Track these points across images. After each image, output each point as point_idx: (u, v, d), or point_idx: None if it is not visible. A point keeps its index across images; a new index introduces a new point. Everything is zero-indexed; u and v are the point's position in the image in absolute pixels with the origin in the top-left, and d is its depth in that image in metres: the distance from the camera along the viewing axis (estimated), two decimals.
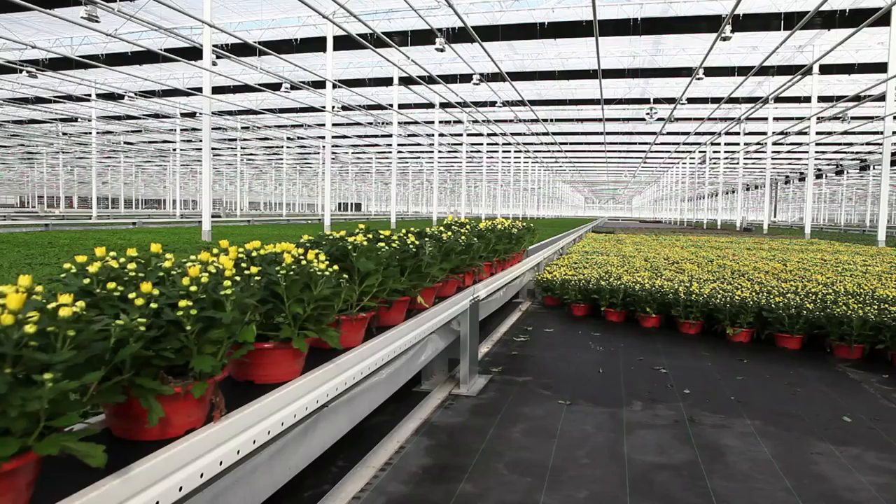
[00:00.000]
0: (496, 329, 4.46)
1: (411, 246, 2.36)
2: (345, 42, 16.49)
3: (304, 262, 1.61)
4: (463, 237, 3.17)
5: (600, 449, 2.26)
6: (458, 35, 15.92)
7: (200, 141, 23.98)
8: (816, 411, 2.74)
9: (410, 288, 2.35)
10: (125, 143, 40.76)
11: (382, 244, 2.11)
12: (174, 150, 35.00)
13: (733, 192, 56.23)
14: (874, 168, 34.66)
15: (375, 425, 2.51)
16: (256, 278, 1.46)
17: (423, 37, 16.91)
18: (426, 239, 2.58)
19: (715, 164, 39.23)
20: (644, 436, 2.40)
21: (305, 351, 1.56)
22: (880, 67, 17.84)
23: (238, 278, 1.34)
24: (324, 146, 25.51)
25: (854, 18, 13.81)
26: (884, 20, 13.38)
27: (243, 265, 1.49)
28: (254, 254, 1.67)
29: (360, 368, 1.87)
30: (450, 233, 3.17)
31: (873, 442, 2.39)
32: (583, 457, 2.18)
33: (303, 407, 1.55)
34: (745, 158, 34.35)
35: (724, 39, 12.09)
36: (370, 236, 2.25)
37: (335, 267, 1.71)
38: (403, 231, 2.63)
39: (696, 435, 2.42)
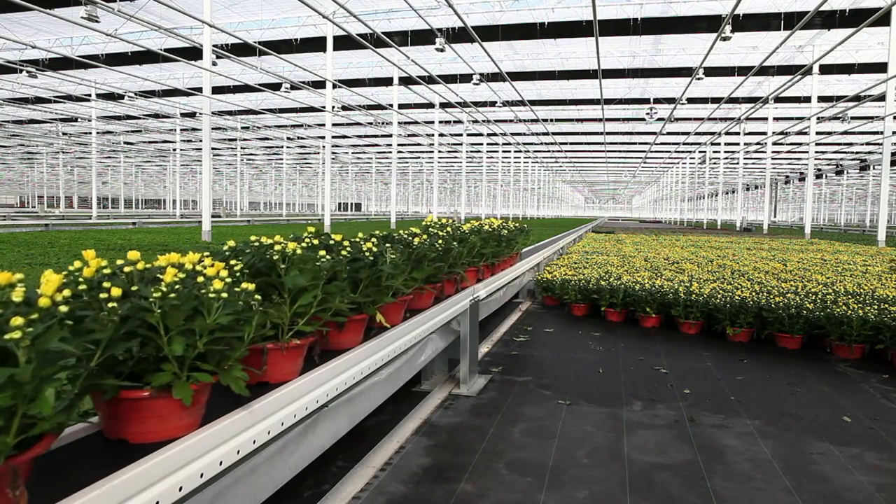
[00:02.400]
0: (496, 329, 4.46)
1: (367, 254, 2.00)
2: (345, 42, 16.50)
3: (200, 279, 1.24)
4: (440, 241, 2.77)
5: (600, 449, 2.26)
6: (458, 35, 15.93)
7: (200, 141, 23.99)
8: (816, 411, 2.74)
9: (367, 304, 1.99)
10: (125, 143, 40.79)
11: (323, 252, 1.72)
12: (174, 150, 35.02)
13: (733, 192, 56.24)
14: (874, 168, 34.66)
15: (375, 425, 2.51)
16: (112, 305, 1.09)
17: (423, 37, 16.91)
18: (387, 245, 2.18)
19: (715, 164, 39.25)
20: (644, 436, 2.40)
21: (189, 403, 1.17)
22: (880, 67, 17.85)
23: (63, 308, 0.96)
24: (324, 146, 25.52)
25: (854, 18, 13.82)
26: (884, 20, 13.39)
27: (107, 284, 1.14)
28: (127, 269, 1.26)
29: (290, 410, 1.48)
30: (425, 236, 2.80)
31: (873, 442, 2.39)
32: (583, 457, 2.18)
33: (304, 407, 1.54)
34: (745, 158, 34.36)
35: (724, 39, 12.09)
36: (313, 242, 1.87)
37: (249, 285, 1.34)
38: (360, 236, 2.28)
39: (695, 435, 2.42)
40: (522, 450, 2.24)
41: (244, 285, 1.34)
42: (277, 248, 1.63)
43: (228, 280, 1.28)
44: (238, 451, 1.28)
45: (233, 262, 1.51)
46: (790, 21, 14.15)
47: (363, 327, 1.99)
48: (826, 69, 19.55)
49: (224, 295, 1.24)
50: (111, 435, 1.20)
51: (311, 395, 1.56)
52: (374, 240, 2.28)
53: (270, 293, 1.59)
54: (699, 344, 4.09)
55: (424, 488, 1.93)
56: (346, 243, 2.00)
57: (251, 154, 48.66)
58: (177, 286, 1.20)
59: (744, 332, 4.15)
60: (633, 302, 4.70)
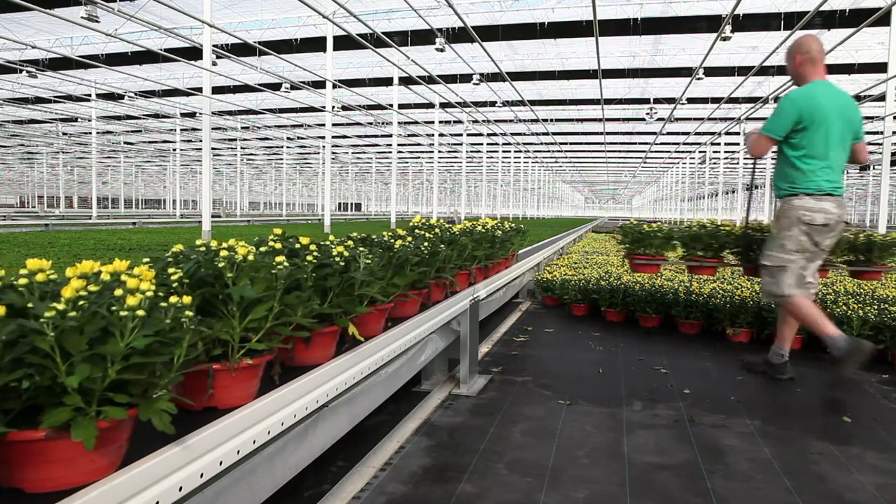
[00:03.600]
0: (496, 329, 4.46)
1: (338, 259, 1.79)
2: (345, 42, 16.48)
3: (119, 292, 1.03)
4: (425, 244, 2.57)
5: (600, 449, 2.26)
6: (458, 35, 15.93)
7: (200, 141, 23.98)
8: (816, 411, 2.74)
9: (337, 315, 1.80)
10: (125, 143, 40.79)
11: (281, 259, 1.50)
12: (174, 150, 35.01)
13: (733, 192, 56.23)
14: (874, 168, 34.66)
15: (375, 425, 2.51)
16: None
17: (423, 37, 16.91)
18: (361, 250, 1.95)
19: (715, 164, 39.23)
20: (644, 436, 2.40)
21: (91, 446, 0.94)
22: (880, 67, 17.84)
23: None
24: (324, 146, 25.52)
25: (854, 18, 13.82)
26: (884, 20, 13.36)
27: None
28: (21, 282, 1.04)
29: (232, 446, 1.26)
30: (410, 238, 2.59)
31: (873, 442, 2.39)
32: (583, 457, 2.18)
33: (301, 409, 1.54)
34: (745, 158, 34.34)
35: (724, 39, 12.10)
36: (274, 246, 1.69)
37: (177, 298, 1.13)
38: (331, 239, 2.11)
39: (695, 435, 2.42)
40: (522, 450, 2.24)
41: (172, 299, 1.11)
42: (224, 253, 1.40)
43: (150, 294, 1.06)
44: (238, 452, 1.27)
45: (171, 270, 1.34)
46: (790, 21, 14.16)
47: (335, 341, 1.80)
48: (826, 69, 19.54)
49: (140, 312, 1.02)
50: (4, 483, 1.00)
51: (263, 424, 1.36)
52: (350, 242, 2.10)
53: (218, 307, 1.39)
54: (699, 344, 4.09)
55: (424, 488, 1.93)
56: (312, 247, 1.76)
57: (251, 154, 48.67)
58: (81, 302, 0.98)
59: (744, 332, 4.15)
60: (633, 302, 4.70)
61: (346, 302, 1.81)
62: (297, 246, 1.80)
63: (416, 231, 2.99)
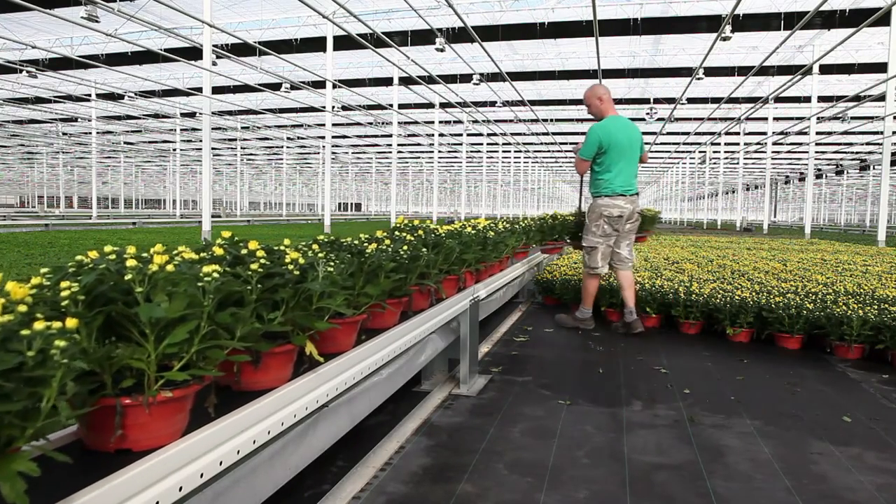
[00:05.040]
0: (496, 329, 4.46)
1: (291, 267, 1.54)
2: (345, 42, 16.49)
3: None
4: (405, 248, 2.34)
5: (600, 449, 2.26)
6: (458, 35, 15.93)
7: (200, 141, 23.99)
8: (816, 411, 2.74)
9: (294, 332, 1.57)
10: (125, 143, 40.78)
11: (212, 268, 1.23)
12: (174, 150, 35.02)
13: (733, 192, 56.24)
14: (874, 168, 34.66)
15: (375, 425, 2.51)
16: None
17: (423, 37, 16.91)
18: (320, 256, 1.72)
19: (715, 164, 39.25)
20: (644, 436, 2.40)
21: None
22: (880, 67, 17.84)
23: None
24: (324, 146, 25.52)
25: (854, 18, 13.81)
26: (884, 20, 13.37)
27: None
28: None
29: None
30: (388, 242, 2.35)
31: (873, 442, 2.39)
32: (583, 457, 2.18)
33: (303, 407, 1.54)
34: (745, 158, 34.34)
35: (724, 39, 12.09)
36: (213, 252, 1.50)
37: (67, 324, 0.88)
38: (286, 244, 1.82)
39: (695, 435, 2.42)
40: (522, 450, 2.24)
41: (38, 325, 0.84)
42: (132, 263, 1.14)
43: (8, 317, 0.84)
44: (238, 452, 1.27)
45: (64, 284, 1.07)
46: (790, 21, 14.15)
47: (291, 361, 1.56)
48: (826, 69, 19.55)
49: None
50: None
51: (188, 469, 1.12)
52: (315, 246, 1.89)
53: (129, 328, 1.15)
54: (699, 344, 4.09)
55: (424, 488, 1.93)
56: (260, 253, 1.51)
57: (251, 154, 48.66)
58: None
59: (744, 332, 4.15)
60: None
61: (301, 317, 1.55)
62: (244, 252, 1.56)
63: (398, 233, 2.75)
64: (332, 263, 1.73)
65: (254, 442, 1.32)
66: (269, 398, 1.40)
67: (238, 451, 1.27)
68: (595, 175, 4.44)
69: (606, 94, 4.47)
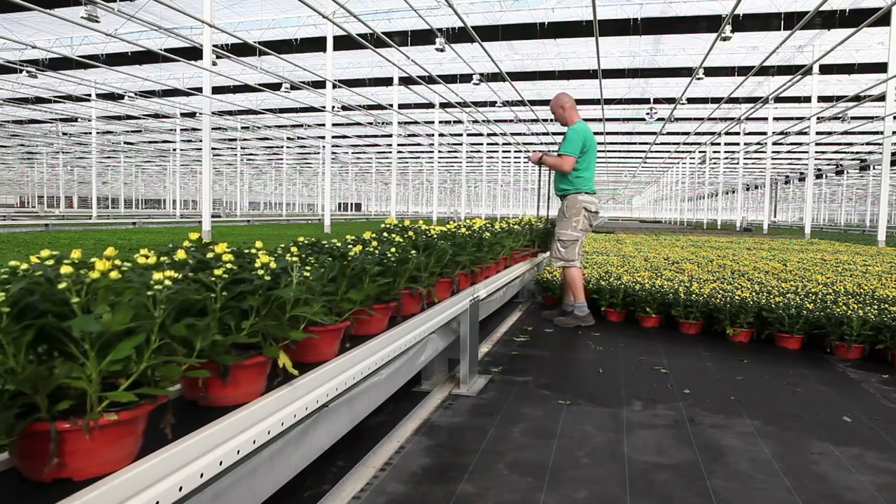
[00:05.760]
0: (496, 329, 4.46)
1: (262, 272, 1.40)
2: (345, 42, 16.49)
3: None
4: (392, 250, 2.21)
5: (600, 449, 2.26)
6: (458, 35, 15.93)
7: (200, 141, 23.99)
8: (816, 411, 2.74)
9: (268, 343, 1.45)
10: (125, 143, 40.80)
11: (166, 274, 1.14)
12: (174, 150, 35.03)
13: (733, 192, 56.24)
14: (874, 168, 34.67)
15: (375, 425, 2.51)
16: None
17: (423, 37, 16.91)
18: (293, 260, 1.55)
19: (715, 164, 39.25)
20: (644, 436, 2.40)
21: None
22: (880, 67, 17.85)
23: None
24: (324, 146, 25.51)
25: (854, 18, 13.81)
26: (884, 20, 13.38)
27: None
28: None
29: None
30: (375, 244, 2.23)
31: (873, 442, 2.39)
32: (583, 457, 2.18)
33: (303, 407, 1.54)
34: (745, 158, 34.36)
35: (724, 39, 12.10)
36: (174, 257, 1.38)
37: None
38: (257, 246, 1.64)
39: (695, 435, 2.42)
40: (522, 450, 2.24)
41: None
42: (67, 270, 1.03)
43: None
44: (238, 452, 1.27)
45: None
46: (790, 21, 14.15)
47: (264, 373, 1.44)
48: (826, 69, 19.56)
49: None
50: None
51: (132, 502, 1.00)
52: (294, 249, 1.77)
53: (66, 344, 1.01)
54: (699, 344, 4.09)
55: (424, 488, 1.93)
56: (227, 257, 1.37)
57: (251, 154, 48.68)
58: None
59: (744, 332, 4.15)
60: (633, 302, 4.70)
61: (273, 327, 1.42)
62: (210, 255, 1.42)
63: (386, 235, 2.60)
64: (309, 268, 1.61)
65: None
66: (235, 416, 1.27)
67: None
68: (575, 173, 4.65)
69: (570, 102, 4.82)
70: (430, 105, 24.97)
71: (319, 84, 20.24)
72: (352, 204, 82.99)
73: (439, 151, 36.59)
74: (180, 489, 1.09)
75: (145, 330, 1.07)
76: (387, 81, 22.43)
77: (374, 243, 2.23)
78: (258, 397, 1.39)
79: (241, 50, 17.03)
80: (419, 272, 2.49)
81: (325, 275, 1.71)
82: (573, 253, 4.64)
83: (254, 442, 1.32)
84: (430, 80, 20.05)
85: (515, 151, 40.82)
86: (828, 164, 41.18)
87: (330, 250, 2.01)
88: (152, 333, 1.09)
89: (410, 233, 2.76)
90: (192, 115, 28.04)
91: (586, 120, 5.12)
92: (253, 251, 1.59)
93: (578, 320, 4.59)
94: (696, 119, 28.22)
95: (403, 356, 2.37)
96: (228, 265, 1.34)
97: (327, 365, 1.67)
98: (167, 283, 1.11)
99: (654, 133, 31.49)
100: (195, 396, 1.36)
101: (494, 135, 34.00)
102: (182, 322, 1.16)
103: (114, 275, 1.06)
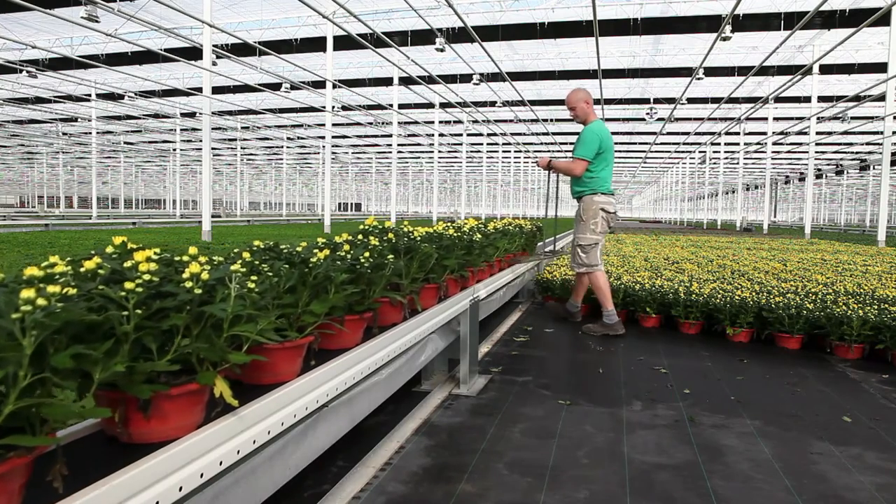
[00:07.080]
0: (496, 329, 4.46)
1: (191, 284, 1.20)
2: (345, 42, 16.50)
3: None
4: (366, 254, 2.00)
5: (600, 449, 2.26)
6: (458, 35, 15.93)
7: (200, 141, 23.99)
8: (816, 411, 2.74)
9: (205, 367, 1.26)
10: (125, 143, 40.82)
11: (31, 293, 0.90)
12: (174, 150, 35.04)
13: (733, 192, 56.24)
14: (874, 168, 34.67)
15: (375, 425, 2.51)
16: None
17: (423, 37, 16.92)
18: (234, 269, 1.30)
19: (715, 164, 39.25)
20: (644, 436, 2.40)
21: None
22: (880, 67, 17.85)
23: None
24: (324, 146, 25.52)
25: (854, 18, 13.82)
26: (884, 20, 13.39)
27: None
28: None
29: None
30: (347, 247, 2.04)
31: (873, 442, 2.39)
32: (583, 457, 2.18)
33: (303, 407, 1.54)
34: (745, 158, 34.36)
35: (724, 39, 12.09)
36: (78, 269, 1.20)
37: None
38: (191, 252, 1.36)
39: (695, 435, 2.42)
40: (522, 450, 2.24)
41: None
42: None
43: None
44: (238, 452, 1.27)
45: None
46: (790, 21, 14.16)
47: (201, 402, 1.24)
48: (826, 69, 19.56)
49: None
50: None
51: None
52: (246, 255, 1.57)
53: None
54: (699, 344, 4.09)
55: (424, 488, 1.93)
56: (146, 266, 1.17)
57: (251, 154, 48.68)
58: None
59: (744, 332, 4.15)
60: (633, 302, 4.70)
61: (205, 350, 1.21)
62: (128, 264, 1.21)
63: (360, 238, 2.38)
64: (255, 277, 1.38)
65: None
66: (158, 457, 1.05)
67: None
68: (591, 174, 4.41)
69: (591, 98, 4.52)
70: (430, 105, 24.98)
71: (319, 84, 20.25)
72: (352, 204, 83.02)
73: (439, 151, 36.59)
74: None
75: (12, 363, 0.86)
76: (387, 81, 22.44)
77: (346, 247, 2.04)
78: (194, 430, 1.20)
79: (241, 50, 17.04)
80: (400, 279, 2.31)
81: (279, 285, 1.54)
82: (595, 257, 4.39)
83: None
84: (430, 80, 20.05)
85: (515, 151, 40.81)
86: (828, 164, 41.18)
87: (288, 256, 1.78)
88: (20, 367, 0.87)
89: (390, 235, 2.54)
90: (192, 115, 28.05)
91: None
92: (185, 258, 1.35)
93: (607, 328, 4.32)
94: (696, 119, 28.23)
95: (403, 357, 2.37)
96: (146, 276, 1.15)
97: (285, 388, 1.47)
98: (40, 302, 0.89)
99: (654, 133, 31.49)
100: (114, 433, 1.19)
101: (494, 135, 34.00)
102: (68, 351, 0.94)
103: None
